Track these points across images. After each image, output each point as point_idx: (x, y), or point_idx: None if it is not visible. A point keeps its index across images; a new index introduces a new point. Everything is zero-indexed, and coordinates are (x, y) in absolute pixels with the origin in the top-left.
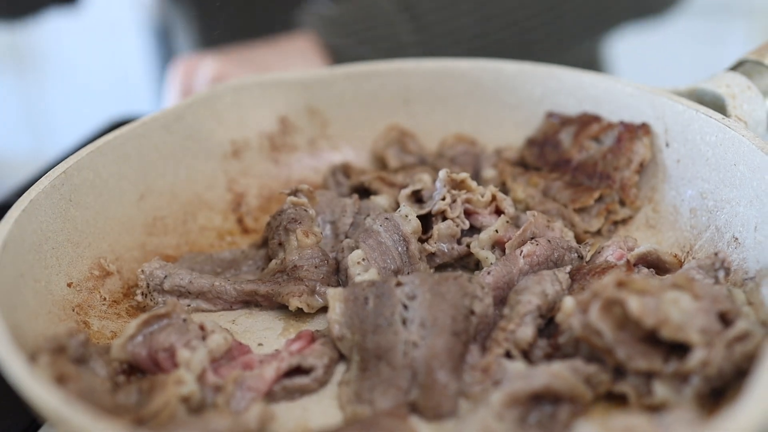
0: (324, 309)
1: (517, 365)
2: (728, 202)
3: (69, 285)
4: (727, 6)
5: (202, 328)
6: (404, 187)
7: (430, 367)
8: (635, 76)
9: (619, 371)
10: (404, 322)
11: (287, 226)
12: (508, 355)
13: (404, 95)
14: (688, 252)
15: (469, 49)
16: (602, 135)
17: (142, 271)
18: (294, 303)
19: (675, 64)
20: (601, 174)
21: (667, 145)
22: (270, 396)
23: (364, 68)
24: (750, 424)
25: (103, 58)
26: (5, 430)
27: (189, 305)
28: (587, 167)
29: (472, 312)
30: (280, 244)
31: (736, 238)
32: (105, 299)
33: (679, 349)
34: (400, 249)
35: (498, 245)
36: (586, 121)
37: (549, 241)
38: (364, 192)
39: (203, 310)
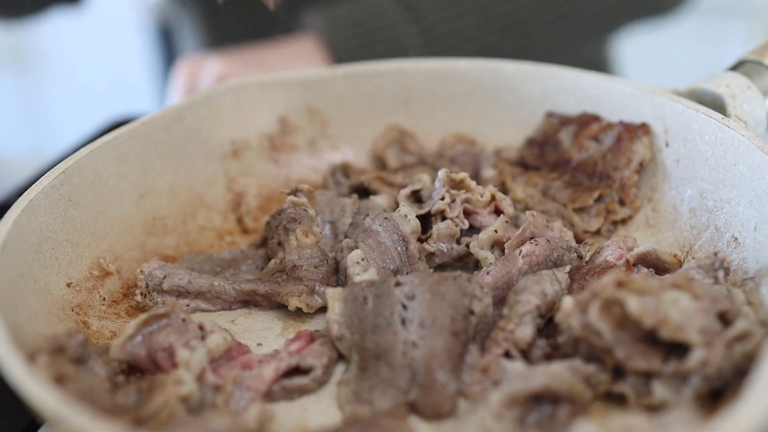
0: (323, 309)
1: (517, 365)
2: (728, 202)
3: (68, 285)
4: (727, 6)
5: (201, 328)
6: (404, 187)
7: (429, 367)
8: (635, 76)
9: (619, 371)
10: (403, 322)
11: (287, 226)
12: (507, 355)
13: (404, 95)
14: (687, 252)
15: (473, 50)
16: (602, 135)
17: (142, 271)
18: (293, 303)
19: (675, 64)
20: (601, 174)
21: (666, 144)
22: (269, 396)
23: (364, 68)
24: (749, 424)
25: (104, 58)
26: (5, 430)
27: (188, 305)
28: (587, 167)
29: (471, 312)
30: (280, 243)
31: (736, 238)
32: (104, 299)
33: (678, 349)
34: (399, 249)
35: (497, 245)
36: (585, 121)
37: (548, 240)
38: (363, 192)
39: (202, 310)
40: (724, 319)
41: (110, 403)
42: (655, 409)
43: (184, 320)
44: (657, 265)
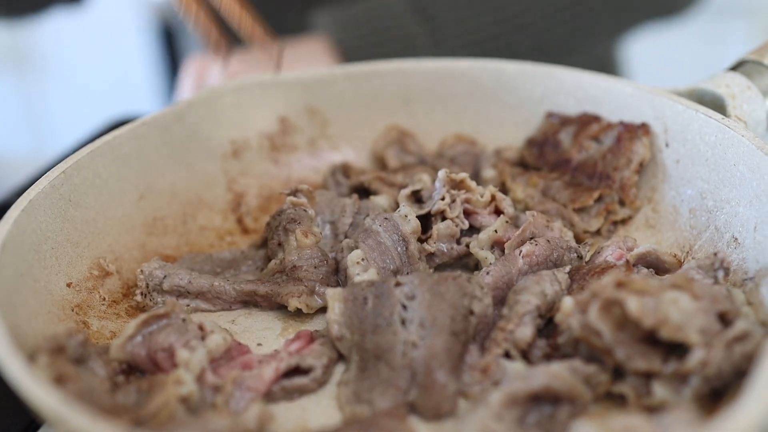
0: (323, 309)
1: (516, 365)
2: (728, 203)
3: (68, 285)
4: (727, 6)
5: (201, 328)
6: (404, 187)
7: (429, 367)
8: (635, 76)
9: (619, 371)
10: (403, 322)
11: (287, 227)
12: (507, 355)
13: (404, 95)
14: (687, 252)
15: (483, 50)
16: (602, 135)
17: (142, 271)
18: (293, 303)
19: (675, 64)
20: (601, 174)
21: (666, 145)
22: (269, 396)
23: (364, 68)
24: (749, 424)
25: (104, 58)
26: (5, 431)
27: (188, 305)
28: (587, 167)
29: (471, 312)
30: (280, 244)
31: (736, 238)
32: (104, 299)
33: (678, 349)
34: (399, 249)
35: (497, 245)
36: (585, 121)
37: (548, 241)
38: (363, 192)
39: (202, 310)
40: (724, 320)
41: (110, 403)
42: (654, 409)
43: (184, 320)
44: (657, 266)
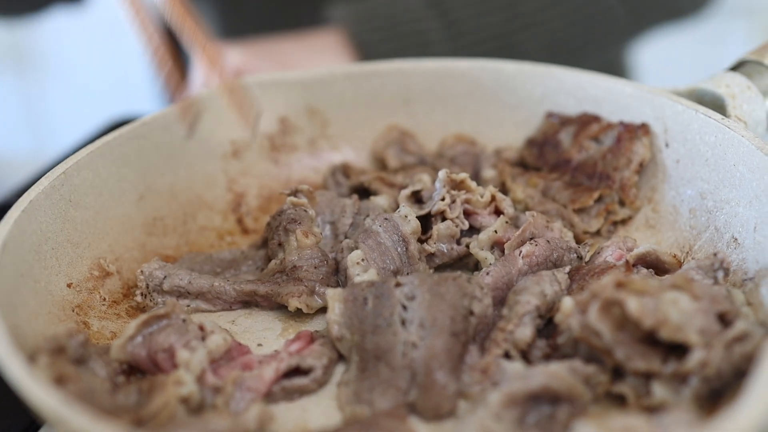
0: (323, 309)
1: (516, 366)
2: (728, 203)
3: (69, 285)
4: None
5: (201, 328)
6: (404, 187)
7: (429, 367)
8: (635, 76)
9: (618, 372)
10: (403, 322)
11: (287, 227)
12: (506, 355)
13: (404, 95)
14: (687, 252)
15: (496, 47)
16: (602, 135)
17: (142, 271)
18: (293, 303)
19: (675, 64)
20: (601, 174)
21: (666, 145)
22: (269, 397)
23: (364, 68)
24: (749, 424)
25: (103, 58)
26: (5, 431)
27: (188, 306)
28: (587, 167)
29: (471, 312)
30: (280, 244)
31: (736, 239)
32: (105, 300)
33: (678, 349)
34: (399, 249)
35: (497, 246)
36: (585, 121)
37: (548, 241)
38: (363, 192)
39: (203, 311)
40: (724, 320)
41: (110, 403)
42: (654, 409)
43: (184, 321)
44: (657, 266)
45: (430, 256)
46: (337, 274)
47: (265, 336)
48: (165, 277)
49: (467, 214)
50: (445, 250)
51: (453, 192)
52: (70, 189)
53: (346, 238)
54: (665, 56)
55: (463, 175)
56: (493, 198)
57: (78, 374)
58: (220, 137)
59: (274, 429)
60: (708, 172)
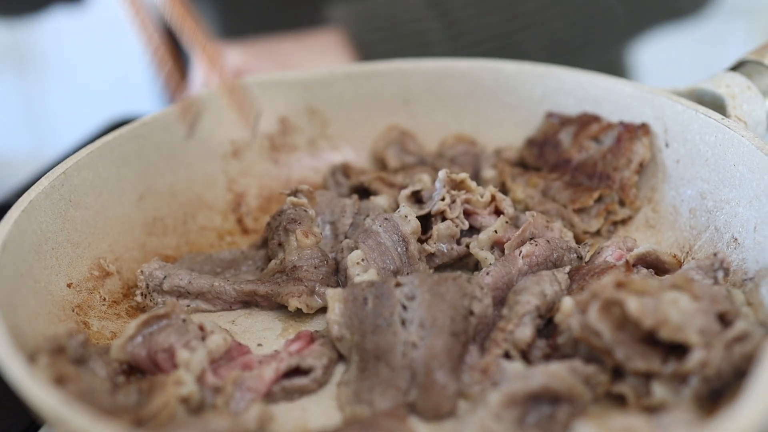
0: (323, 309)
1: (516, 366)
2: (728, 203)
3: (69, 285)
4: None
5: (201, 328)
6: (404, 187)
7: (429, 367)
8: (635, 76)
9: (618, 372)
10: (403, 322)
11: (287, 227)
12: (507, 355)
13: (404, 95)
14: (687, 252)
15: (496, 47)
16: (602, 135)
17: (142, 271)
18: (293, 303)
19: (675, 64)
20: (601, 174)
21: (666, 145)
22: (269, 397)
23: (364, 68)
24: (749, 424)
25: (103, 58)
26: (5, 431)
27: (188, 306)
28: (587, 167)
29: (471, 312)
30: (280, 244)
31: (736, 239)
32: (105, 300)
33: (677, 349)
34: (399, 249)
35: (497, 246)
36: (585, 121)
37: (548, 241)
38: (363, 192)
39: (203, 311)
40: (724, 320)
41: (111, 403)
42: (654, 409)
43: (184, 321)
44: (657, 266)
45: (430, 256)
46: (337, 274)
47: (265, 336)
48: (165, 277)
49: (467, 214)
50: (445, 250)
51: (453, 192)
52: (70, 189)
53: (346, 238)
54: (665, 56)
55: (463, 175)
56: (493, 198)
57: (78, 374)
58: (220, 137)
59: (274, 429)
60: (708, 172)
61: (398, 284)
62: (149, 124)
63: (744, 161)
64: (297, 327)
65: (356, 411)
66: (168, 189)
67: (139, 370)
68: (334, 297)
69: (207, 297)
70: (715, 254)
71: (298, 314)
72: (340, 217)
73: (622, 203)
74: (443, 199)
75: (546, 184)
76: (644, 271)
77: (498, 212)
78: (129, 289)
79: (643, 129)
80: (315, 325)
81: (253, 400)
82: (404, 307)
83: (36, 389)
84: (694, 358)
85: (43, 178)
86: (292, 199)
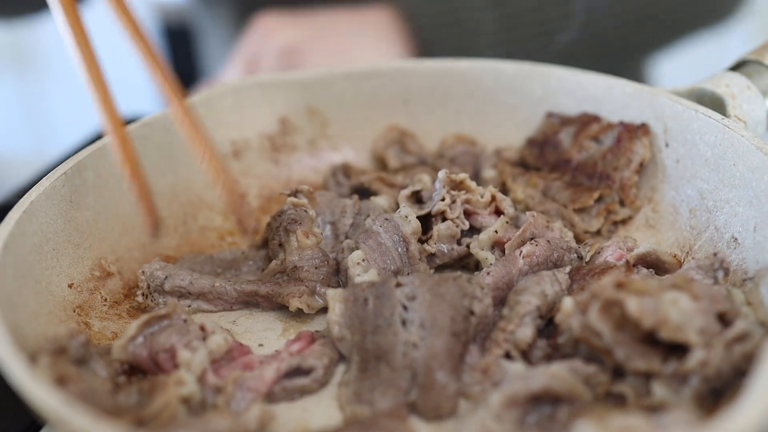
0: (324, 310)
1: (517, 366)
2: (727, 203)
3: (70, 286)
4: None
5: (202, 328)
6: (404, 187)
7: (429, 367)
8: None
9: (618, 372)
10: (404, 322)
11: (287, 227)
12: (507, 355)
13: (404, 95)
14: (687, 252)
15: (545, 43)
16: (602, 135)
17: (143, 272)
18: (294, 304)
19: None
20: (601, 174)
21: (666, 145)
22: (270, 397)
23: (364, 68)
24: (749, 424)
25: (104, 58)
26: (5, 431)
27: (189, 306)
28: (587, 167)
29: (471, 312)
30: (281, 244)
31: (736, 239)
32: (106, 300)
33: (678, 349)
34: (399, 250)
35: (497, 246)
36: (585, 121)
37: (548, 241)
38: (364, 192)
39: (204, 311)
40: (724, 320)
41: (112, 403)
42: (654, 409)
43: (185, 321)
44: (657, 266)
45: (431, 256)
46: (338, 275)
47: (266, 336)
48: (166, 277)
49: (467, 214)
50: (446, 251)
51: (453, 192)
52: (71, 189)
53: (346, 238)
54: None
55: (463, 175)
56: (494, 198)
57: (79, 375)
58: (220, 137)
59: (275, 429)
60: (708, 171)
61: (399, 284)
62: (150, 125)
63: (744, 161)
64: (298, 327)
65: (357, 411)
66: (169, 189)
67: (140, 371)
68: (334, 297)
69: (208, 297)
70: (715, 254)
71: (299, 314)
72: (340, 217)
73: (622, 203)
74: (443, 200)
75: (546, 184)
76: (644, 271)
77: (498, 212)
78: (130, 290)
79: (643, 129)
80: (316, 325)
81: (254, 400)
82: (405, 308)
83: (37, 389)
84: (694, 357)
85: (44, 178)
86: (293, 199)
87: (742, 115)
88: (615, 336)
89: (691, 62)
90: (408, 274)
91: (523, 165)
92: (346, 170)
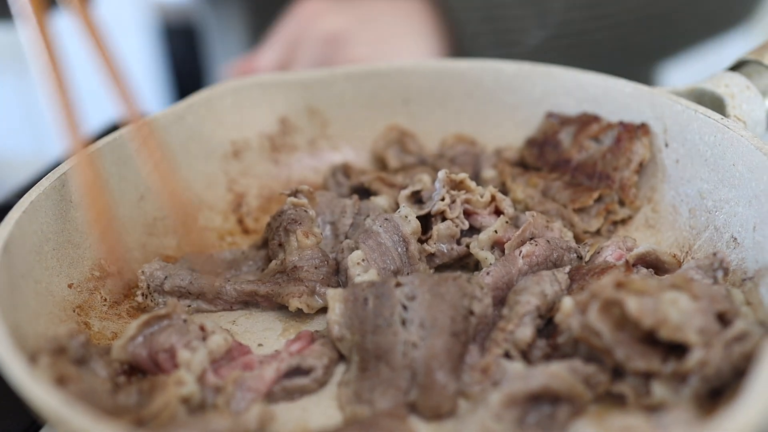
0: (324, 309)
1: (516, 366)
2: (727, 202)
3: (70, 286)
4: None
5: (202, 328)
6: (404, 187)
7: (429, 367)
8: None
9: (618, 371)
10: (404, 322)
11: (287, 227)
12: (507, 355)
13: (404, 95)
14: (687, 252)
15: (575, 43)
16: (602, 135)
17: (143, 272)
18: (294, 303)
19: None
20: (601, 174)
21: (666, 145)
22: (270, 396)
23: (364, 68)
24: (748, 424)
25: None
26: (5, 431)
27: (189, 306)
28: (587, 167)
29: (471, 312)
30: (280, 244)
31: (735, 238)
32: (105, 300)
33: (677, 349)
34: (399, 250)
35: (497, 246)
36: (585, 121)
37: (548, 241)
38: (364, 192)
39: (203, 311)
40: (723, 320)
41: (111, 403)
42: (654, 409)
43: (185, 321)
44: (656, 266)
45: (431, 256)
46: (338, 275)
47: (266, 336)
48: (166, 277)
49: (467, 214)
50: (446, 250)
51: (453, 192)
52: (71, 189)
53: (346, 238)
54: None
55: (463, 175)
56: (493, 198)
57: (79, 375)
58: (220, 137)
59: (275, 429)
60: (707, 171)
61: (398, 284)
62: (150, 125)
63: (743, 161)
64: (297, 327)
65: (356, 411)
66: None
67: (140, 371)
68: (334, 297)
69: (208, 297)
70: (714, 254)
71: (299, 314)
72: (340, 217)
73: (621, 203)
74: (443, 199)
75: (546, 184)
76: (644, 270)
77: (498, 212)
78: (130, 290)
79: (643, 129)
80: (315, 325)
81: (254, 399)
82: (404, 307)
83: (37, 389)
84: (694, 357)
85: (44, 178)
86: (293, 199)
87: (741, 115)
88: (614, 336)
89: (699, 71)
90: (408, 274)
91: (522, 165)
92: (346, 170)
